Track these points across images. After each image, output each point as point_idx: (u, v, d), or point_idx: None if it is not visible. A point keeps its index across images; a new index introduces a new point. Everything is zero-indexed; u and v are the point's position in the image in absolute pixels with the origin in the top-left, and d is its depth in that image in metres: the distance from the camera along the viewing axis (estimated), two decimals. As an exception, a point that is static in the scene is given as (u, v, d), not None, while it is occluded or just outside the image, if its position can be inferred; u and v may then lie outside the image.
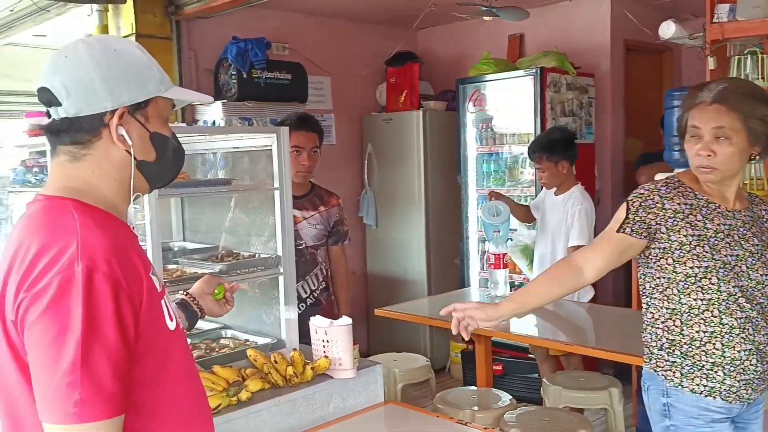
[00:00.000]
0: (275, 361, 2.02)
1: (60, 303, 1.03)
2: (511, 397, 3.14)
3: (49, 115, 1.21)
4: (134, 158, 1.22)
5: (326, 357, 2.09)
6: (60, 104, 1.17)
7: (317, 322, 2.14)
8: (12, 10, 4.86)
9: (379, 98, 5.61)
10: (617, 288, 4.92)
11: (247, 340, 2.26)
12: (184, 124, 4.01)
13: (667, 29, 3.63)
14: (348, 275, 3.31)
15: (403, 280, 5.34)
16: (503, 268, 3.68)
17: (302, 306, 2.88)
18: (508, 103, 4.74)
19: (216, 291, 1.75)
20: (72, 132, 1.19)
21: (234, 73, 4.44)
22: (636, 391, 3.98)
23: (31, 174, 2.61)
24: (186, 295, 1.75)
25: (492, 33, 5.33)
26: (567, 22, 4.99)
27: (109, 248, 1.10)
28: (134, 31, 4.28)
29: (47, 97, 1.18)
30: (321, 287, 3.13)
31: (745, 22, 3.31)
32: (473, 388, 3.44)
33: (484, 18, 3.81)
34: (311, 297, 3.07)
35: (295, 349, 2.08)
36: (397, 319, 3.93)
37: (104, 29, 4.36)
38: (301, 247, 2.91)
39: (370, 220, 5.47)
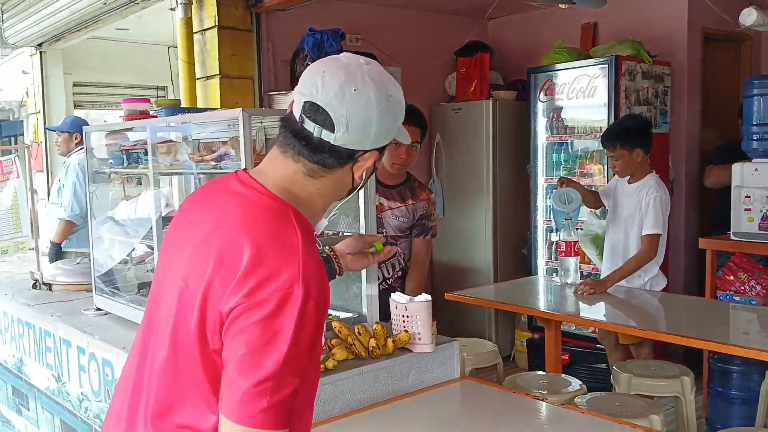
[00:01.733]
0: (359, 333, 2.13)
1: (276, 318, 1.11)
2: (581, 382, 3.17)
3: (301, 122, 1.24)
4: (352, 189, 1.33)
5: (406, 331, 2.18)
6: (333, 131, 1.22)
7: (398, 299, 2.23)
8: (105, 3, 5.11)
9: (448, 88, 5.67)
10: (688, 278, 4.86)
11: (330, 314, 2.37)
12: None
13: (749, 16, 3.58)
14: (424, 268, 3.29)
15: (470, 269, 5.40)
16: (574, 255, 3.71)
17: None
18: (581, 92, 4.72)
19: (373, 248, 1.91)
20: (325, 155, 1.25)
21: (310, 63, 4.57)
22: (707, 382, 3.95)
23: (128, 157, 2.80)
24: (330, 252, 1.86)
25: (564, 22, 5.31)
26: (642, 10, 4.93)
27: (320, 275, 1.18)
28: (216, 24, 4.46)
29: (323, 119, 1.22)
30: (396, 275, 3.18)
31: (832, 7, 3.23)
32: (542, 373, 3.48)
33: (560, 6, 3.81)
34: (384, 283, 3.11)
35: (377, 322, 2.18)
36: (465, 305, 3.99)
37: (188, 22, 4.56)
38: (382, 235, 2.99)
39: (438, 209, 5.52)
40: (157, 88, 8.21)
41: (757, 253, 3.97)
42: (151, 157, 2.54)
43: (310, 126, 1.23)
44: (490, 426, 2.03)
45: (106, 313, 2.86)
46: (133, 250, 3.11)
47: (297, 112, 1.25)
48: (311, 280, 1.14)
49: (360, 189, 1.35)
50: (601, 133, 4.59)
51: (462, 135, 5.34)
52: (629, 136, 3.51)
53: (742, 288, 4.00)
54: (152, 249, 3.24)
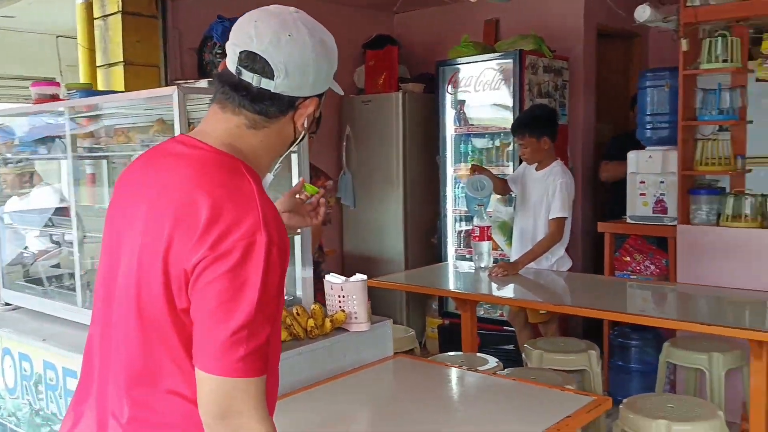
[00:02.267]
0: (297, 314, 2.13)
1: (243, 268, 1.11)
2: (497, 360, 3.31)
3: (238, 74, 1.23)
4: (295, 139, 1.32)
5: (343, 311, 2.21)
6: (272, 78, 1.22)
7: (333, 279, 2.25)
8: (-7, -14, 4.80)
9: (357, 80, 5.72)
10: (586, 261, 5.15)
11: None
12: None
13: (643, 12, 3.84)
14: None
15: (381, 259, 5.48)
16: (487, 240, 3.85)
17: None
18: (487, 85, 4.90)
19: (304, 193, 1.79)
20: (267, 103, 1.24)
21: (219, 52, 4.50)
22: (608, 357, 4.21)
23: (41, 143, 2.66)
24: None
25: (467, 18, 5.49)
26: (541, 7, 5.17)
27: (279, 221, 1.18)
28: (120, 9, 4.29)
29: (261, 67, 1.22)
30: None
31: (717, 6, 3.53)
32: (459, 353, 3.60)
33: (470, 0, 3.94)
34: None
35: (316, 302, 2.20)
36: (375, 294, 4.05)
37: (88, 7, 4.37)
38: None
39: (348, 200, 5.58)
40: (45, 80, 7.77)
41: (651, 235, 4.28)
42: (69, 142, 2.43)
43: (248, 76, 1.23)
44: (426, 397, 2.09)
45: (16, 308, 2.71)
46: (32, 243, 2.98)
47: (232, 65, 1.25)
48: (271, 226, 1.15)
49: (302, 140, 1.35)
50: (506, 124, 4.81)
51: (372, 127, 5.41)
52: (537, 125, 3.69)
53: (638, 268, 4.30)
54: (58, 243, 3.11)
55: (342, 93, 1.41)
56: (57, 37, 6.76)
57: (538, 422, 1.76)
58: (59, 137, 2.55)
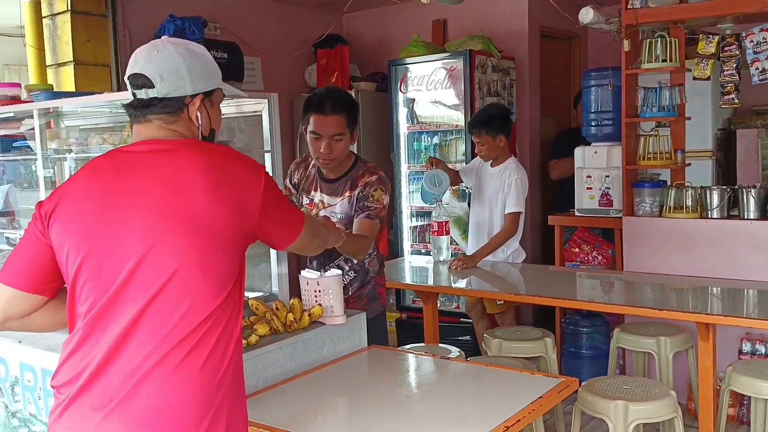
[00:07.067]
0: (276, 309, 2.19)
1: (271, 189, 1.54)
2: (459, 350, 3.42)
3: (134, 96, 1.51)
4: (201, 134, 1.56)
5: (320, 305, 2.27)
6: (153, 87, 1.49)
7: (307, 275, 2.31)
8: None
9: (308, 79, 5.76)
10: (536, 253, 5.34)
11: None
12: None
13: (587, 15, 4.01)
14: (363, 240, 2.65)
15: (336, 256, 5.52)
16: (445, 234, 3.97)
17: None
18: (439, 84, 5.02)
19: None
20: (162, 106, 1.51)
21: (172, 51, 4.47)
22: (560, 344, 4.39)
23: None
24: None
25: (416, 18, 5.60)
26: (487, 9, 5.33)
27: None
28: (69, 8, 4.23)
29: (142, 81, 1.49)
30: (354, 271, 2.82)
31: (656, 8, 3.74)
32: (422, 344, 3.71)
33: (422, 1, 4.04)
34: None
35: (295, 297, 2.25)
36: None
37: (36, 5, 4.28)
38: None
39: (302, 198, 5.61)
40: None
41: (597, 227, 4.48)
42: (39, 142, 2.41)
43: (140, 93, 1.50)
44: (403, 385, 2.18)
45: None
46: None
47: (129, 92, 1.53)
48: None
49: (209, 134, 1.59)
50: (458, 122, 4.94)
51: (325, 125, 5.45)
52: (493, 123, 3.82)
53: (586, 258, 4.49)
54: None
55: (241, 96, 1.79)
56: (-4, 35, 6.54)
57: (514, 403, 1.87)
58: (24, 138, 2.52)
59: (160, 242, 1.36)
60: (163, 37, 1.56)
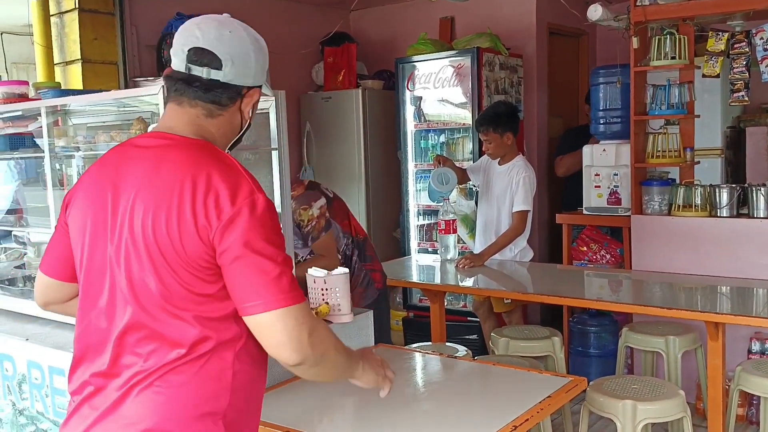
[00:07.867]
0: (283, 307, 2.18)
1: (259, 221, 1.29)
2: (466, 349, 3.41)
3: (189, 70, 1.37)
4: (242, 129, 1.48)
5: (327, 304, 2.26)
6: (220, 69, 1.38)
7: (315, 273, 2.31)
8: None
9: (315, 77, 5.76)
10: (543, 251, 5.32)
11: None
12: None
13: (595, 12, 3.99)
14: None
15: (343, 254, 5.52)
16: (453, 233, 3.96)
17: None
18: (446, 81, 5.01)
19: None
20: (218, 92, 1.40)
21: (179, 49, 4.47)
22: (568, 343, 4.38)
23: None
24: None
25: (423, 16, 5.59)
26: (494, 6, 5.31)
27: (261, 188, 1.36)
28: (77, 6, 4.23)
29: (209, 60, 1.37)
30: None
31: (665, 4, 3.71)
32: (429, 343, 3.70)
33: (430, -1, 4.03)
34: None
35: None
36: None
37: (44, 4, 4.29)
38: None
39: (309, 196, 5.60)
40: (-11, 77, 7.54)
41: (606, 225, 4.46)
42: (46, 140, 2.41)
43: (197, 70, 1.37)
44: (411, 383, 2.17)
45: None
46: None
47: (181, 64, 1.39)
48: (260, 188, 1.35)
49: (248, 128, 1.51)
50: (465, 120, 4.93)
51: (332, 123, 5.46)
52: (500, 121, 3.80)
53: (594, 257, 4.47)
54: (24, 244, 3.07)
55: (272, 95, 1.66)
56: (2, 33, 6.57)
57: (522, 402, 1.86)
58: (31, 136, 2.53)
59: (134, 252, 1.31)
60: (225, 15, 1.44)
